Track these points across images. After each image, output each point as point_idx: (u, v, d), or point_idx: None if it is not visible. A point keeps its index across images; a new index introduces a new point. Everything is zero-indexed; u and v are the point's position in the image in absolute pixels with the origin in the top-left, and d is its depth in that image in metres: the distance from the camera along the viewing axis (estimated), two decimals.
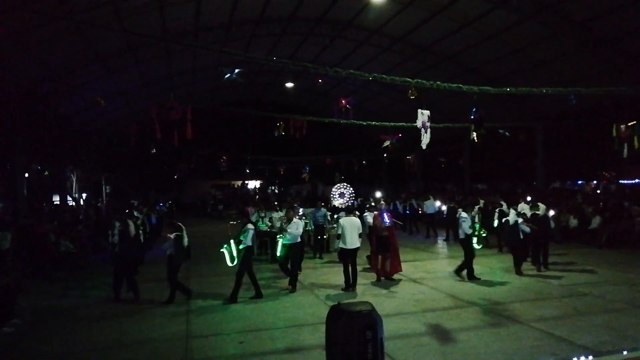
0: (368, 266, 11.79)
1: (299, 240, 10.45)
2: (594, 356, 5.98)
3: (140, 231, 12.98)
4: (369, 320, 4.58)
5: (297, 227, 10.21)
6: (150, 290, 10.03)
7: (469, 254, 10.78)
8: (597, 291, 9.40)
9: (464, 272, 10.82)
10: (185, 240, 9.45)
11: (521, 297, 9.12)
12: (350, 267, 10.07)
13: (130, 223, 10.25)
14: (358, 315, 4.60)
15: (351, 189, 12.56)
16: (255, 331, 7.43)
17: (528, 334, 6.96)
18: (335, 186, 12.77)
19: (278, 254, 11.05)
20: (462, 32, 18.70)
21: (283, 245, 10.59)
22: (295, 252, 10.38)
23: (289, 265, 10.52)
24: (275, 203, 15.57)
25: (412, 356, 6.26)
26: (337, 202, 12.92)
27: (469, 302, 8.88)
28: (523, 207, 14.13)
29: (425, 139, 9.55)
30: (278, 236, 11.25)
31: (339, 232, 10.19)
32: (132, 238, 10.11)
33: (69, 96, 19.63)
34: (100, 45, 17.21)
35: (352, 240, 9.99)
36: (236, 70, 11.58)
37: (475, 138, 9.91)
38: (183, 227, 9.49)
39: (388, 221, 10.99)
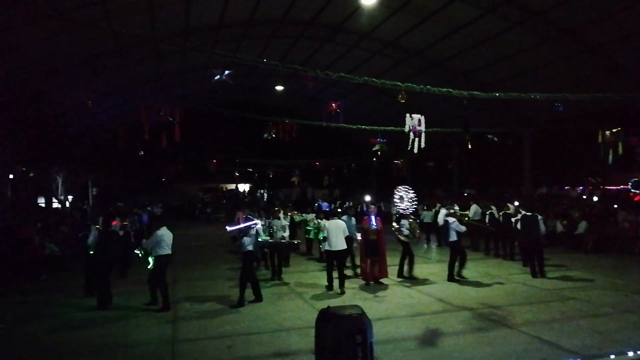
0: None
1: (167, 252, 9.07)
2: (581, 359, 6.01)
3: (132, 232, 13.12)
4: (359, 324, 4.54)
5: (153, 239, 9.01)
6: (136, 293, 9.89)
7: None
8: (583, 295, 9.48)
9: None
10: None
11: (509, 302, 9.16)
12: (336, 269, 10.21)
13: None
14: (348, 319, 4.56)
15: (412, 192, 11.67)
16: (244, 335, 7.34)
17: (516, 338, 6.98)
18: (397, 188, 11.85)
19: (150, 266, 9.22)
20: (451, 38, 18.87)
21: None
22: (162, 265, 9.04)
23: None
24: (276, 209, 13.36)
25: None
26: (398, 207, 11.76)
27: (458, 306, 8.89)
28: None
29: (417, 143, 9.58)
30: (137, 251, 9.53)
31: (325, 234, 10.45)
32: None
33: (56, 96, 19.37)
34: (89, 46, 17.03)
35: (337, 242, 10.11)
36: (226, 72, 11.48)
37: (467, 142, 9.98)
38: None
39: (375, 224, 10.98)
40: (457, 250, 11.29)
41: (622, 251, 14.71)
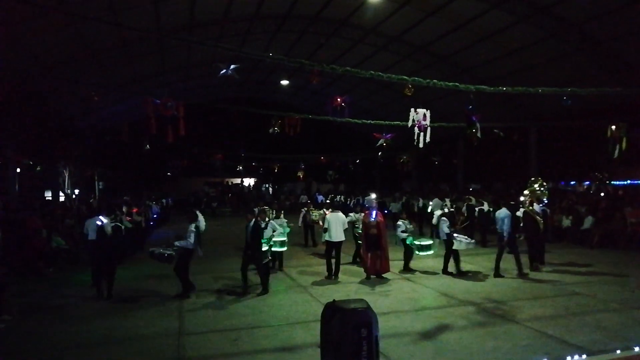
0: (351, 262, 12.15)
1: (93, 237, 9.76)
2: (586, 355, 6.00)
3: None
4: (364, 317, 4.54)
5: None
6: (142, 285, 9.96)
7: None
8: (588, 291, 9.45)
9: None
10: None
11: (514, 296, 9.15)
12: (334, 258, 10.87)
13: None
14: (353, 312, 4.56)
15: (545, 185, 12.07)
16: (249, 329, 7.39)
17: (521, 333, 6.97)
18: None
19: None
20: (457, 33, 18.76)
21: None
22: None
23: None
24: (305, 204, 12.56)
25: (405, 354, 6.24)
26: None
27: (463, 301, 8.89)
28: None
29: (422, 138, 9.55)
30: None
31: (326, 226, 11.13)
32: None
33: (62, 91, 19.42)
34: (94, 40, 17.05)
35: (337, 234, 10.85)
36: (232, 66, 11.48)
37: (473, 137, 9.90)
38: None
39: (375, 218, 10.96)
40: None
41: (628, 246, 14.64)
